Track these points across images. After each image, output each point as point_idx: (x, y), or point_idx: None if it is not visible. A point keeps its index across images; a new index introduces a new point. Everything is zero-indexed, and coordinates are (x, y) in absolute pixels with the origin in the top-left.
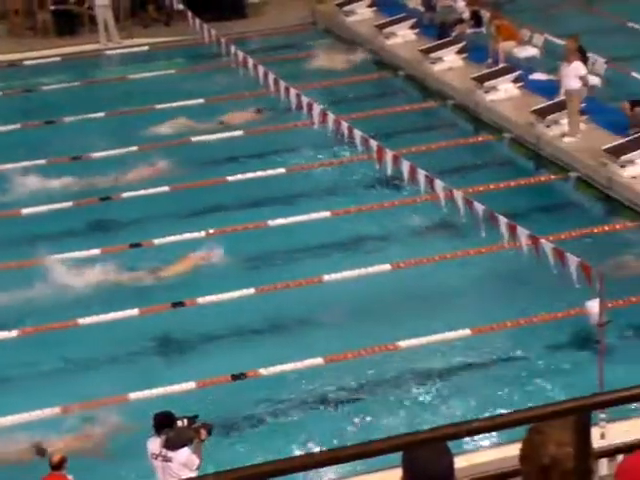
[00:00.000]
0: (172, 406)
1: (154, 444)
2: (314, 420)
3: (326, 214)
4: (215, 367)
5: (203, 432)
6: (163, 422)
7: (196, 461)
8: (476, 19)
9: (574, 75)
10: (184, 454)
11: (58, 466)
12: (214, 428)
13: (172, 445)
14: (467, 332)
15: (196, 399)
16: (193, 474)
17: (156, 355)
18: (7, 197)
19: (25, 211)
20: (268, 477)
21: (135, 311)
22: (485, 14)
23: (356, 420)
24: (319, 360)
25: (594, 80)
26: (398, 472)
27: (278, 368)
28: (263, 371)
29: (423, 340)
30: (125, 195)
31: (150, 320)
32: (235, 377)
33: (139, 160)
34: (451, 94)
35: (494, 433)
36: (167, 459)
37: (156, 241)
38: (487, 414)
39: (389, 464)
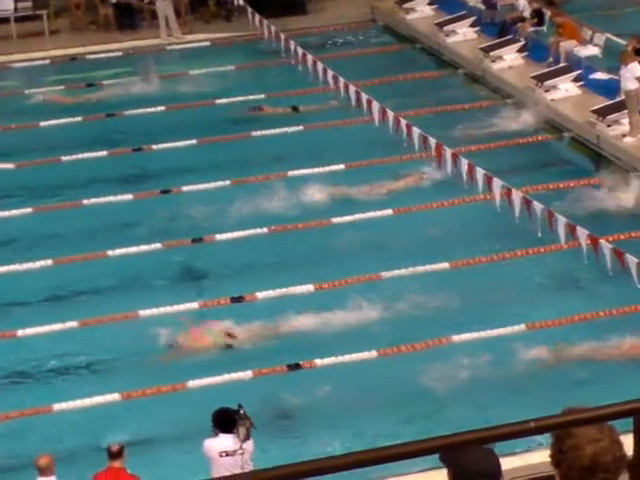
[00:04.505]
0: None
1: (225, 441)
2: None
3: (388, 212)
4: None
5: (251, 419)
6: (230, 418)
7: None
8: (538, 17)
9: (631, 76)
10: (251, 443)
11: (117, 455)
12: None
13: (248, 437)
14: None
15: None
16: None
17: None
18: None
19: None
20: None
21: None
22: (547, 12)
23: None
24: None
25: None
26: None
27: None
28: None
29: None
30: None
31: None
32: None
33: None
34: (511, 93)
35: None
36: (242, 452)
37: None
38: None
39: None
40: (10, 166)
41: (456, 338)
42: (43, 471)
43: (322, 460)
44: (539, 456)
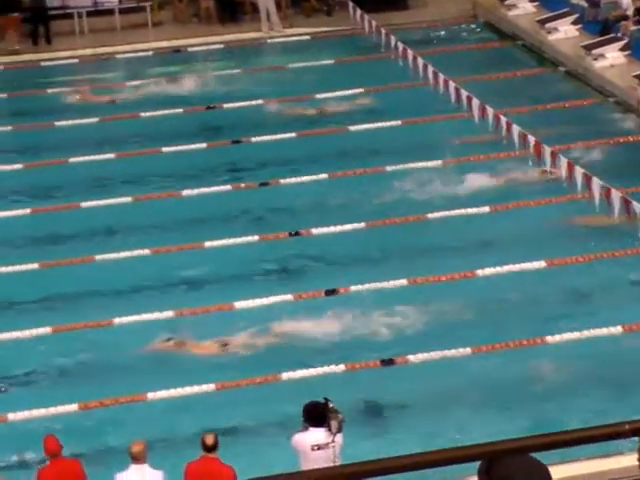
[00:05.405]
0: None
1: (317, 435)
2: None
3: (485, 209)
4: None
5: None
6: (321, 412)
7: None
8: None
9: None
10: (341, 437)
11: (212, 448)
12: None
13: (340, 429)
14: (619, 329)
15: None
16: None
17: None
18: None
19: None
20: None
21: None
22: None
23: None
24: None
25: None
26: None
27: None
28: None
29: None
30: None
31: None
32: None
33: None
34: (613, 91)
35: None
36: (334, 445)
37: None
38: None
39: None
40: None
41: (550, 339)
42: (136, 458)
43: (391, 459)
44: (629, 459)
